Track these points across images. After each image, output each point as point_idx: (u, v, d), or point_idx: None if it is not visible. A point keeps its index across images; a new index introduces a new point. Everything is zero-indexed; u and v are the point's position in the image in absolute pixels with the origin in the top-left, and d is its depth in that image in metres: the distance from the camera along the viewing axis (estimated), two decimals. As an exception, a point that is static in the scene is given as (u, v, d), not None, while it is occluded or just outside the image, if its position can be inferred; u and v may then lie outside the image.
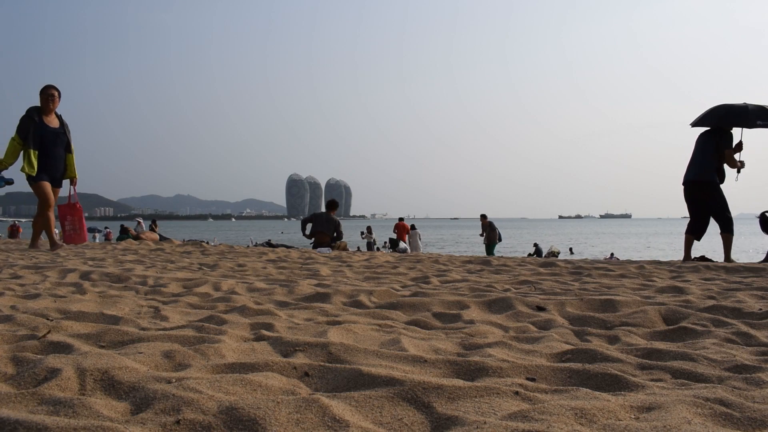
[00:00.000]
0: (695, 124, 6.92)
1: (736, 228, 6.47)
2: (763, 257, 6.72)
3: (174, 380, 1.36)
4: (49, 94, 6.69)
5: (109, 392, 1.33)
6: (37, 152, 6.57)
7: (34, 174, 6.56)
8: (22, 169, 6.55)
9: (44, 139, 6.61)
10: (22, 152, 6.57)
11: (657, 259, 6.17)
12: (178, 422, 1.11)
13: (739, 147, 6.53)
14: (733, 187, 6.95)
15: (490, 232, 18.32)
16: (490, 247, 18.24)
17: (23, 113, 6.69)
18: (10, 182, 6.99)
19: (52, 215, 6.97)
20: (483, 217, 18.86)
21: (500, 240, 18.88)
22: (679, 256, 6.75)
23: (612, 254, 20.92)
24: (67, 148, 6.90)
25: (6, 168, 6.63)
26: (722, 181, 6.38)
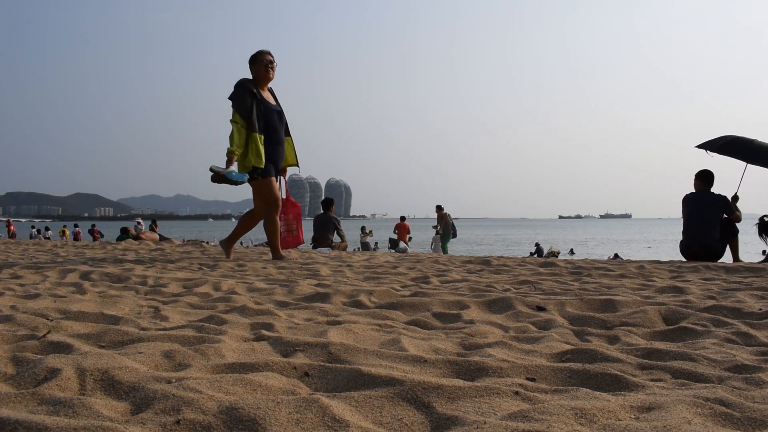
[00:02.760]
0: (710, 148, 6.86)
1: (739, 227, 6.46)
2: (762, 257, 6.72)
3: (174, 380, 1.36)
4: (268, 61, 5.18)
5: (109, 392, 1.33)
6: (263, 137, 5.07)
7: (263, 165, 5.08)
8: (247, 162, 5.00)
9: (268, 120, 5.13)
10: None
11: (657, 259, 6.17)
12: (178, 422, 1.11)
13: (735, 199, 6.54)
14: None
15: (444, 226, 16.96)
16: (443, 240, 16.88)
17: (236, 86, 5.08)
18: (242, 181, 5.06)
19: (278, 219, 5.58)
20: (439, 208, 17.42)
21: (454, 236, 17.41)
22: (678, 255, 6.74)
23: (616, 254, 20.85)
24: (286, 131, 5.44)
25: (236, 159, 4.97)
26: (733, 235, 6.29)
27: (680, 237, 6.51)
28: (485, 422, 1.10)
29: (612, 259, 16.89)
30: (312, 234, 9.93)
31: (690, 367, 1.54)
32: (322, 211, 10.28)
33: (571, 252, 30.73)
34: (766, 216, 6.62)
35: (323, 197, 11.09)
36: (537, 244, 25.85)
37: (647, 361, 1.64)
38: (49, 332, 1.94)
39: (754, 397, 1.28)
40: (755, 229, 6.65)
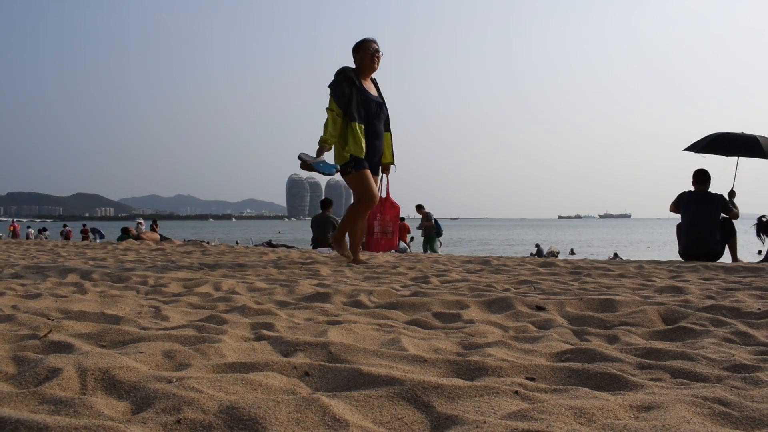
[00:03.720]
0: (695, 149, 6.88)
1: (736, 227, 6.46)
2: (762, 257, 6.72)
3: (174, 380, 1.36)
4: (374, 50, 4.85)
5: (109, 392, 1.33)
6: (363, 127, 4.73)
7: (362, 155, 4.69)
8: (346, 152, 4.67)
9: (368, 110, 4.79)
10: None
11: (656, 259, 6.17)
12: (178, 422, 1.12)
13: (732, 194, 6.51)
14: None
15: (426, 228, 16.28)
16: (429, 242, 16.30)
17: (337, 73, 4.80)
18: (330, 173, 4.74)
19: (370, 219, 5.24)
20: (419, 207, 16.76)
21: (439, 234, 16.61)
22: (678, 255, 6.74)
23: (615, 254, 20.81)
24: (386, 125, 5.04)
25: (330, 147, 4.68)
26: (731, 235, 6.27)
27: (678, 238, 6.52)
28: (485, 422, 1.10)
29: (612, 258, 16.85)
30: (311, 235, 9.95)
31: (689, 366, 1.55)
32: (320, 212, 10.28)
33: (572, 252, 30.75)
34: (764, 216, 6.62)
35: (323, 197, 11.09)
36: (537, 245, 25.85)
37: (646, 360, 1.64)
38: (50, 332, 1.94)
39: (753, 397, 1.28)
40: (753, 229, 6.65)
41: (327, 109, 4.68)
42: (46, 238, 22.46)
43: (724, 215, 6.24)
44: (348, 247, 5.12)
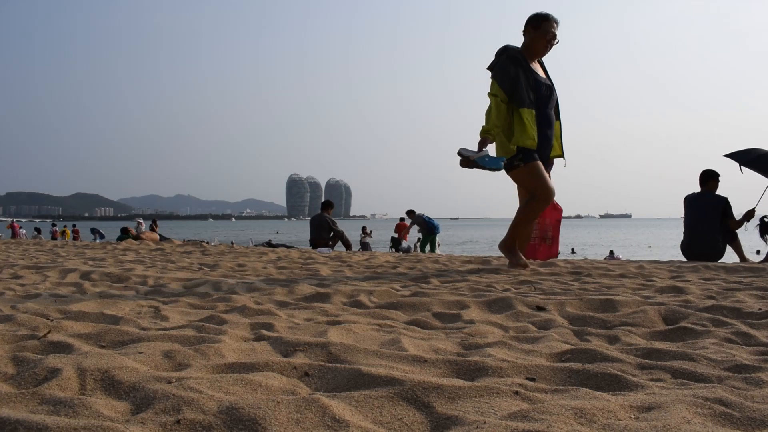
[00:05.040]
0: (739, 160, 6.75)
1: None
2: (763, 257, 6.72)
3: (174, 380, 1.36)
4: (552, 35, 4.16)
5: (109, 392, 1.33)
6: (533, 113, 4.09)
7: (534, 146, 4.08)
8: (513, 142, 4.07)
9: (538, 94, 4.14)
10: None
11: (657, 259, 6.17)
12: (178, 422, 1.11)
13: (750, 214, 6.41)
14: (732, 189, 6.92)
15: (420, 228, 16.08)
16: (424, 242, 16.08)
17: (499, 53, 4.20)
18: (497, 168, 4.05)
19: (540, 220, 4.62)
20: (410, 213, 16.62)
21: (431, 233, 16.17)
22: (678, 255, 6.74)
23: (612, 252, 20.79)
24: (557, 112, 4.37)
25: (494, 138, 4.09)
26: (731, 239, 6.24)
27: (679, 238, 6.51)
28: (485, 422, 1.10)
29: (608, 257, 16.81)
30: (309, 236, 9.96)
31: (690, 366, 1.54)
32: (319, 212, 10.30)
33: (572, 251, 30.75)
34: (766, 216, 6.62)
35: (323, 197, 11.10)
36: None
37: (647, 360, 1.64)
38: (49, 332, 1.94)
39: (754, 397, 1.28)
40: (756, 230, 6.65)
41: (489, 94, 4.06)
42: (35, 237, 22.46)
43: (726, 217, 6.23)
44: (521, 254, 4.40)
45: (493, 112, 4.02)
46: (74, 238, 24.04)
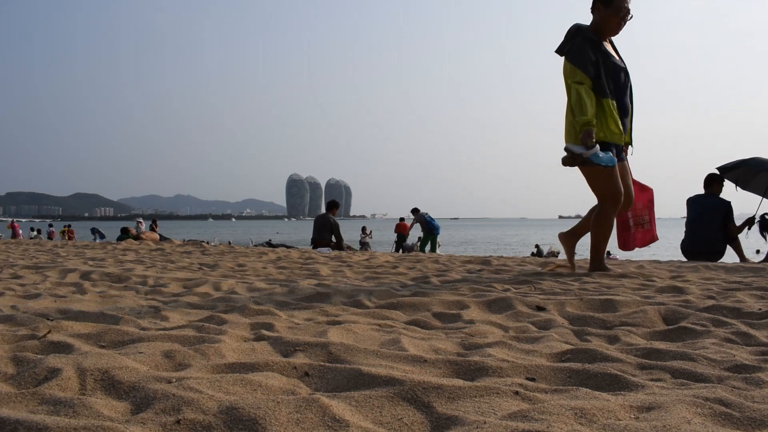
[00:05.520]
0: (724, 172, 6.73)
1: None
2: (763, 257, 6.72)
3: (174, 380, 1.36)
4: (626, 10, 3.77)
5: (109, 392, 1.33)
6: (614, 104, 3.75)
7: (621, 140, 3.81)
8: (599, 134, 3.71)
9: (616, 82, 3.79)
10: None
11: (657, 259, 6.17)
12: (178, 422, 1.11)
13: (749, 222, 6.41)
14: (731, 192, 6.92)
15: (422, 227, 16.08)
16: (425, 241, 16.11)
17: (571, 33, 3.80)
18: (612, 165, 3.65)
19: (624, 215, 4.30)
20: (415, 210, 16.55)
21: (430, 233, 16.18)
22: (678, 255, 6.74)
23: (608, 252, 20.80)
24: (631, 98, 3.97)
25: (593, 128, 3.59)
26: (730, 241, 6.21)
27: (679, 238, 6.52)
28: (485, 422, 1.10)
29: (605, 257, 16.75)
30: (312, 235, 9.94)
31: (690, 366, 1.54)
32: (324, 212, 10.27)
33: None
34: (767, 214, 6.63)
35: (323, 197, 11.10)
36: (537, 246, 25.83)
37: (647, 361, 1.64)
38: (49, 332, 1.94)
39: (754, 397, 1.28)
40: (756, 227, 6.65)
41: (573, 82, 3.66)
42: (32, 237, 22.45)
43: (727, 222, 6.23)
44: (574, 255, 4.14)
45: (585, 100, 3.61)
46: (68, 238, 24.05)
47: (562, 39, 3.85)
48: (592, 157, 3.56)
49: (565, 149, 3.62)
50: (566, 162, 3.65)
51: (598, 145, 3.58)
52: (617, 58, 3.87)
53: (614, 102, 3.75)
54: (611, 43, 3.95)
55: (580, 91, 3.64)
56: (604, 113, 3.71)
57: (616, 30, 3.84)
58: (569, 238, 4.22)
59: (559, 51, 3.83)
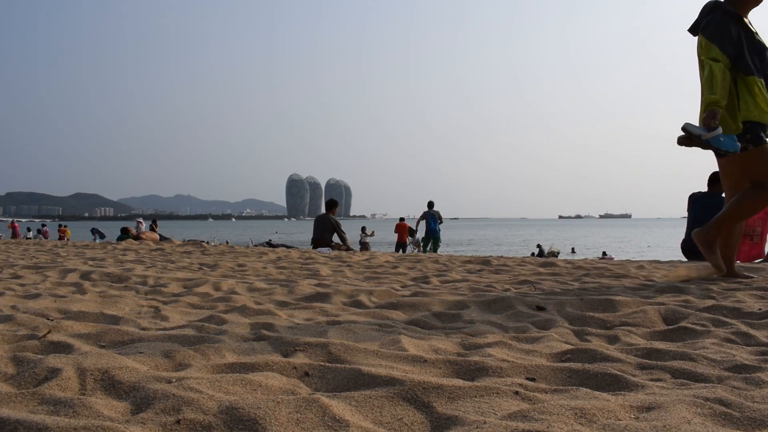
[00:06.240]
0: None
1: None
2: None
3: (174, 380, 1.36)
4: None
5: (109, 392, 1.33)
6: (763, 82, 3.39)
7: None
8: (744, 116, 3.35)
9: (762, 60, 3.44)
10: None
11: (657, 259, 6.17)
12: (178, 422, 1.11)
13: None
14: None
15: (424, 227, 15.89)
16: (425, 242, 15.93)
17: (709, 8, 3.51)
18: (734, 151, 3.33)
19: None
20: (431, 204, 16.18)
21: (429, 235, 16.00)
22: (678, 255, 6.74)
23: (604, 253, 20.81)
24: None
25: (719, 110, 3.28)
26: None
27: (679, 238, 6.53)
28: (485, 422, 1.10)
29: (601, 257, 16.82)
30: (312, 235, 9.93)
31: (690, 366, 1.54)
32: (323, 212, 10.25)
33: (573, 251, 30.74)
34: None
35: (323, 197, 11.07)
36: (538, 246, 25.84)
37: (647, 361, 1.64)
38: (49, 332, 1.94)
39: (754, 397, 1.28)
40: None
41: (708, 59, 3.37)
42: (26, 237, 22.45)
43: None
44: (719, 254, 3.62)
45: (719, 79, 3.30)
46: (60, 238, 24.04)
47: (696, 16, 3.55)
48: (712, 141, 3.26)
49: (683, 128, 3.30)
50: (682, 142, 3.34)
51: (720, 128, 3.27)
52: (755, 34, 3.53)
53: (762, 80, 3.39)
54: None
55: (713, 69, 3.33)
56: (751, 92, 3.36)
57: (755, 2, 3.52)
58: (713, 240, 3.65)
59: (694, 29, 3.54)
